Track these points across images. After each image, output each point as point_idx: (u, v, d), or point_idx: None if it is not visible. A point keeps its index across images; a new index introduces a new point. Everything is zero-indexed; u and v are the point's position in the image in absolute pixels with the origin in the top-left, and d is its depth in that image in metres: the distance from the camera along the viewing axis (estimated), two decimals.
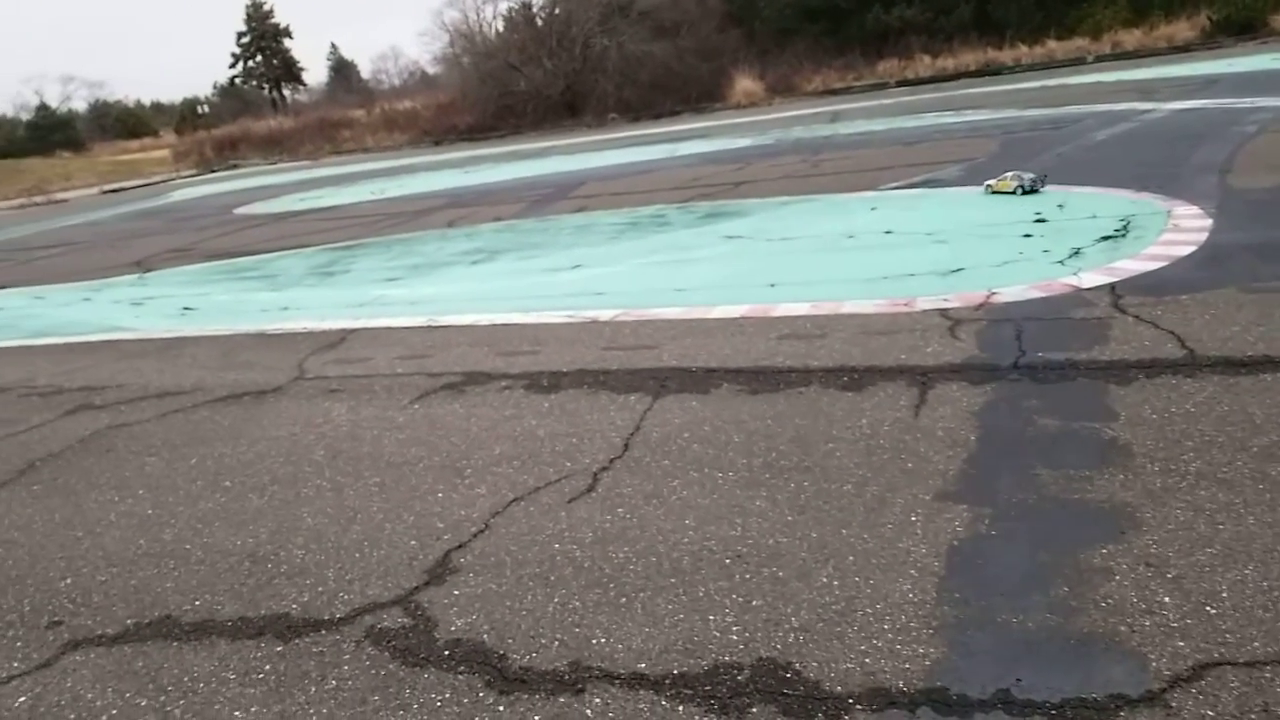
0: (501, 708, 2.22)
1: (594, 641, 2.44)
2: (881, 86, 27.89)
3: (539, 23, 34.29)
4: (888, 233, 6.97)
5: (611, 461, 3.54)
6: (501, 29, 35.92)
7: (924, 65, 28.97)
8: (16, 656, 2.77)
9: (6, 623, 2.99)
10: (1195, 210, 6.29)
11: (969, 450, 3.25)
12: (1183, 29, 26.29)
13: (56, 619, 2.96)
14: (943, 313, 4.82)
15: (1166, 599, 2.31)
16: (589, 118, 30.01)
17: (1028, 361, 3.99)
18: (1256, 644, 2.11)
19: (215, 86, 74.08)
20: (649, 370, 4.53)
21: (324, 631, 2.66)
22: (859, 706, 2.08)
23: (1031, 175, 7.87)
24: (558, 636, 2.48)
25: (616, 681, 2.26)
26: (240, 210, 16.79)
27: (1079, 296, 4.81)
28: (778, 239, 7.35)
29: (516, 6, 35.37)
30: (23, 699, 2.56)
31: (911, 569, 2.58)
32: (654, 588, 2.65)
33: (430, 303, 6.69)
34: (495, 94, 32.29)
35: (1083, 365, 3.87)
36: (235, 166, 35.13)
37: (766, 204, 9.13)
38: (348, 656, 2.52)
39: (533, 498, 3.33)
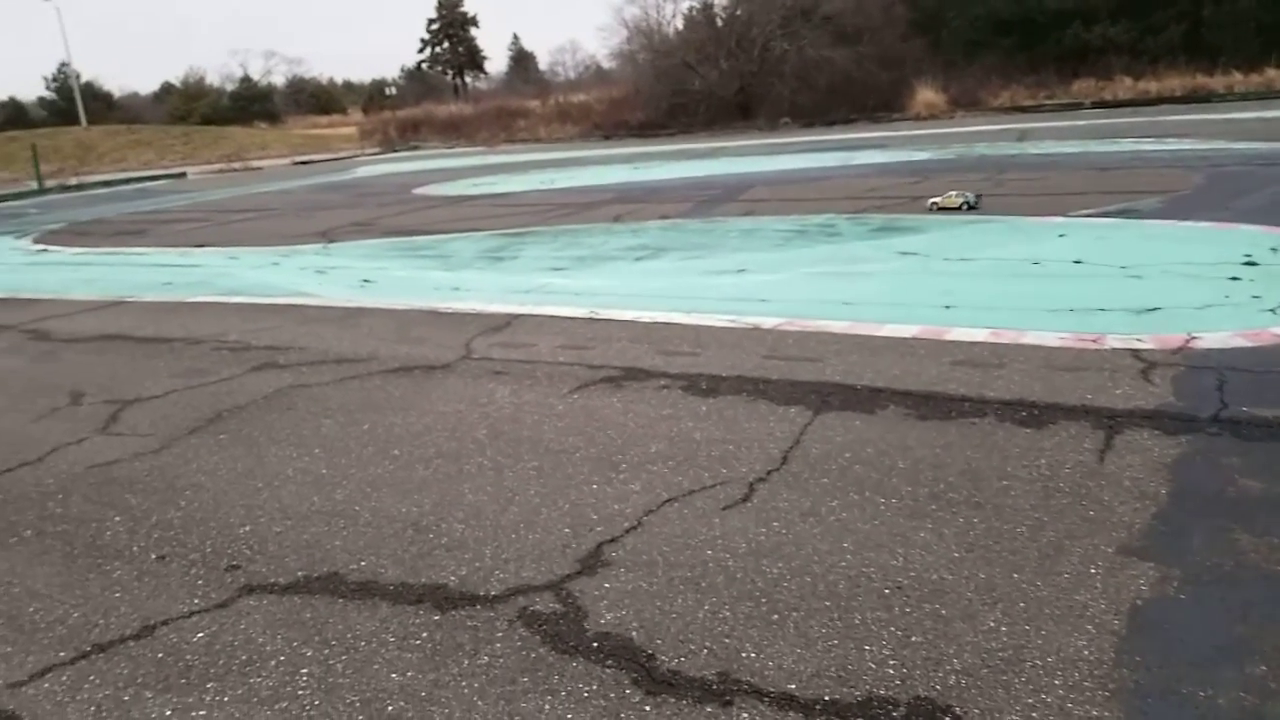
0: (648, 708, 2.21)
1: (743, 655, 2.40)
2: (1075, 107, 26.56)
3: (719, 23, 34.28)
4: (1077, 262, 6.61)
5: (768, 473, 3.48)
6: (680, 27, 36.15)
7: (1123, 87, 27.39)
8: (197, 594, 2.96)
9: (190, 561, 3.19)
10: None
11: (1158, 504, 3.03)
12: None
13: (234, 563, 3.14)
14: (1135, 353, 4.52)
15: None
16: (761, 120, 29.81)
17: (1230, 415, 3.70)
18: None
19: (402, 70, 77.77)
20: (811, 384, 4.44)
21: (479, 607, 2.72)
22: None
23: (972, 193, 9.47)
24: (707, 644, 2.45)
25: (766, 699, 2.22)
26: (418, 190, 17.47)
27: None
28: (955, 259, 7.09)
29: (698, 6, 35.53)
30: (200, 635, 2.72)
31: (1088, 624, 2.43)
32: (808, 608, 2.59)
33: (593, 295, 6.78)
34: (668, 92, 32.46)
35: None
36: (415, 148, 36.63)
37: (945, 221, 8.83)
38: (500, 635, 2.56)
39: (687, 500, 3.31)
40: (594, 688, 2.30)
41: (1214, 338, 4.66)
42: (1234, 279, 5.78)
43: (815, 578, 2.74)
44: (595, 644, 2.48)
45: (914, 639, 2.43)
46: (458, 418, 4.38)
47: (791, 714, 2.16)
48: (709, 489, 3.39)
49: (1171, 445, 3.46)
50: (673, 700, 2.24)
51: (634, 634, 2.51)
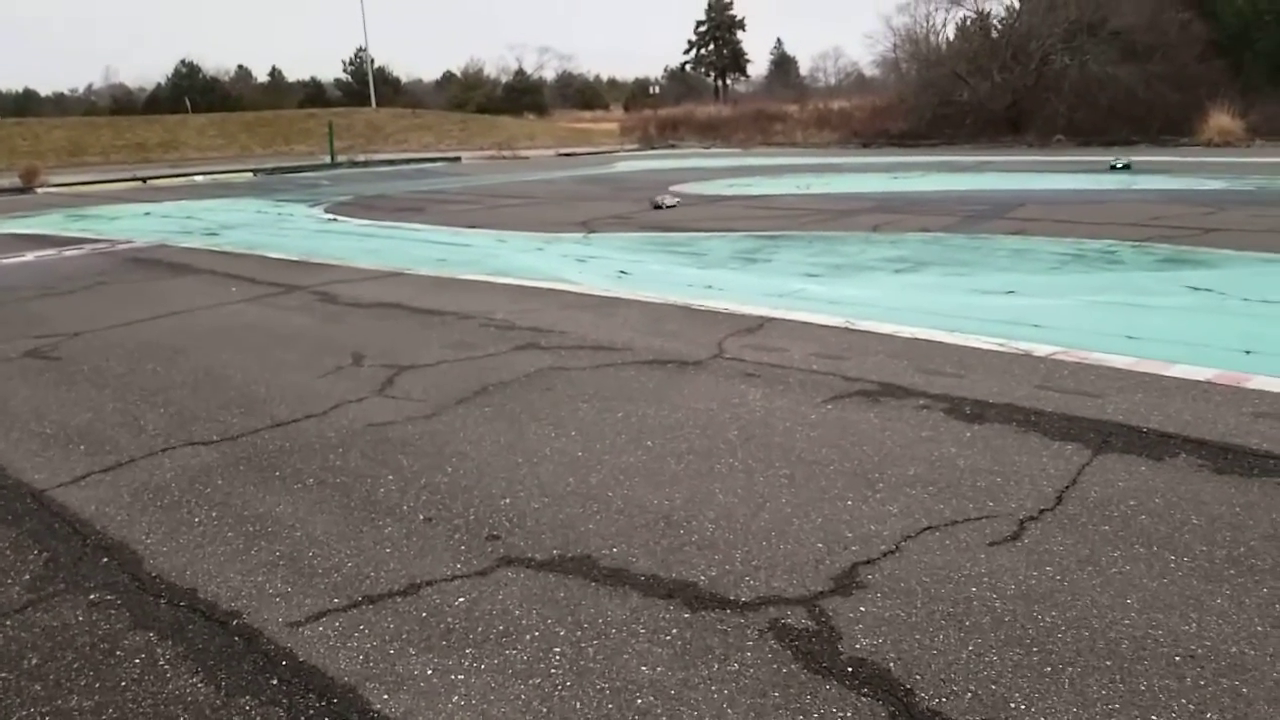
0: None
1: (1012, 704, 2.23)
2: None
3: (995, 34, 32.70)
4: None
5: (1040, 512, 3.24)
6: (952, 37, 34.80)
7: None
8: (460, 559, 3.10)
9: (454, 526, 3.35)
10: None
11: None
12: None
13: (494, 534, 3.27)
14: None
15: None
16: (1031, 136, 28.15)
17: None
18: None
19: (665, 70, 79.75)
20: (1090, 420, 4.11)
21: (729, 611, 2.69)
22: None
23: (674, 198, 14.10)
24: (970, 687, 2.30)
25: None
26: (675, 188, 17.73)
27: None
28: (1257, 300, 6.37)
29: (973, 15, 34.06)
30: (461, 600, 2.84)
31: None
32: (1085, 665, 2.38)
33: (849, 304, 6.62)
34: (934, 102, 31.30)
35: None
36: (673, 146, 37.31)
37: (1244, 258, 7.96)
38: (750, 644, 2.52)
39: (949, 530, 3.14)
40: (848, 714, 2.22)
41: None
42: None
43: (1094, 633, 2.52)
44: (850, 669, 2.39)
45: (1209, 715, 2.18)
46: (709, 416, 4.39)
47: None
48: (974, 521, 3.20)
49: None
50: None
51: (891, 664, 2.40)
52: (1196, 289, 6.79)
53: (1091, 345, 5.28)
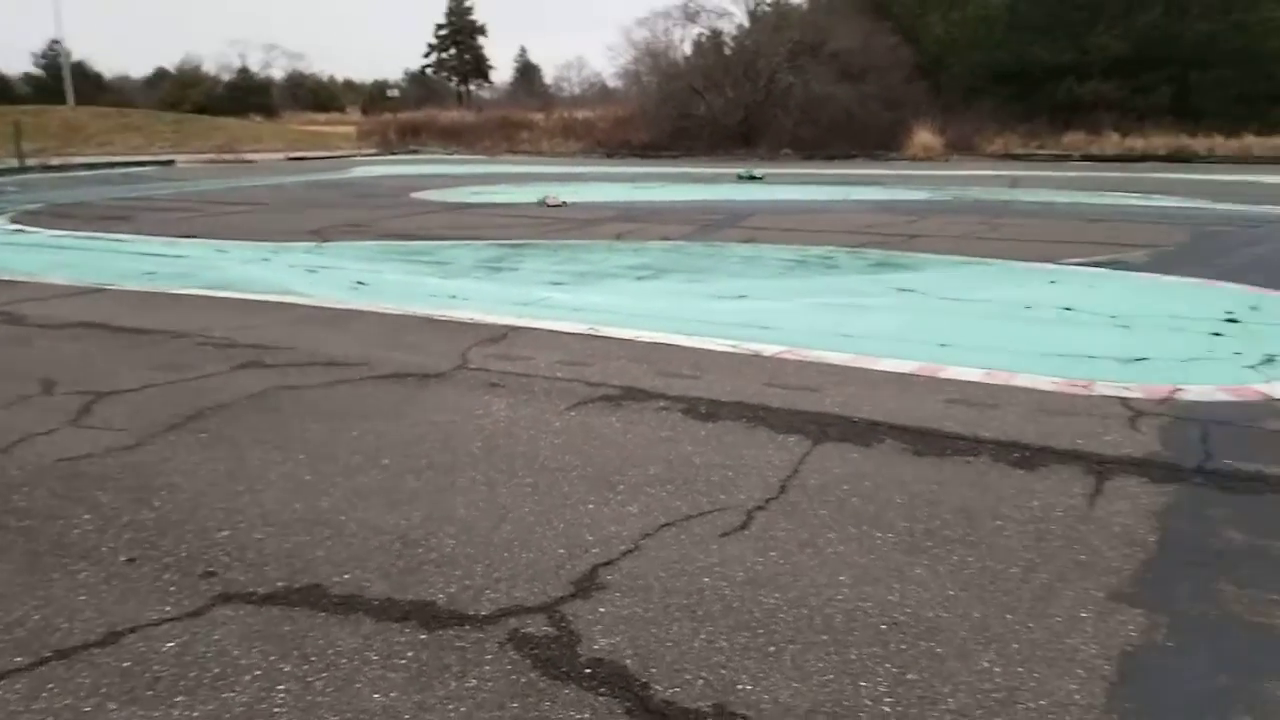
0: None
1: (739, 687, 2.35)
2: (1064, 158, 26.98)
3: (727, 51, 34.51)
4: (1067, 309, 6.68)
5: (767, 502, 3.44)
6: (689, 53, 36.35)
7: (1111, 143, 28.00)
8: (169, 601, 2.83)
9: (163, 565, 3.06)
10: None
11: (1147, 551, 3.04)
12: None
13: (210, 570, 3.02)
14: (1124, 401, 4.56)
15: None
16: (762, 150, 29.93)
17: (1214, 467, 3.74)
18: None
19: (406, 73, 77.80)
20: (810, 414, 4.41)
21: (468, 627, 2.64)
22: None
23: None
24: (702, 675, 2.40)
25: None
26: (416, 195, 17.35)
27: (1271, 406, 4.53)
28: (951, 298, 7.12)
29: (707, 33, 35.78)
30: (171, 644, 2.60)
31: (1079, 668, 2.41)
32: (804, 641, 2.55)
33: (593, 311, 6.73)
34: (673, 114, 32.58)
35: (1274, 480, 3.60)
36: (415, 152, 36.44)
37: (941, 260, 8.89)
38: (489, 657, 2.50)
39: (684, 525, 3.27)
40: (586, 716, 2.24)
41: (1198, 390, 4.76)
42: (1216, 334, 5.92)
43: (812, 610, 2.70)
44: (588, 670, 2.42)
45: (909, 676, 2.39)
46: (451, 429, 4.32)
47: None
48: (707, 515, 3.34)
49: (1159, 494, 3.49)
50: None
51: (628, 661, 2.46)
52: (903, 290, 7.48)
53: (813, 344, 5.68)
